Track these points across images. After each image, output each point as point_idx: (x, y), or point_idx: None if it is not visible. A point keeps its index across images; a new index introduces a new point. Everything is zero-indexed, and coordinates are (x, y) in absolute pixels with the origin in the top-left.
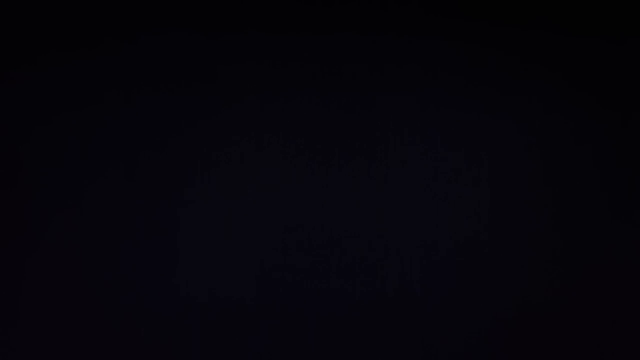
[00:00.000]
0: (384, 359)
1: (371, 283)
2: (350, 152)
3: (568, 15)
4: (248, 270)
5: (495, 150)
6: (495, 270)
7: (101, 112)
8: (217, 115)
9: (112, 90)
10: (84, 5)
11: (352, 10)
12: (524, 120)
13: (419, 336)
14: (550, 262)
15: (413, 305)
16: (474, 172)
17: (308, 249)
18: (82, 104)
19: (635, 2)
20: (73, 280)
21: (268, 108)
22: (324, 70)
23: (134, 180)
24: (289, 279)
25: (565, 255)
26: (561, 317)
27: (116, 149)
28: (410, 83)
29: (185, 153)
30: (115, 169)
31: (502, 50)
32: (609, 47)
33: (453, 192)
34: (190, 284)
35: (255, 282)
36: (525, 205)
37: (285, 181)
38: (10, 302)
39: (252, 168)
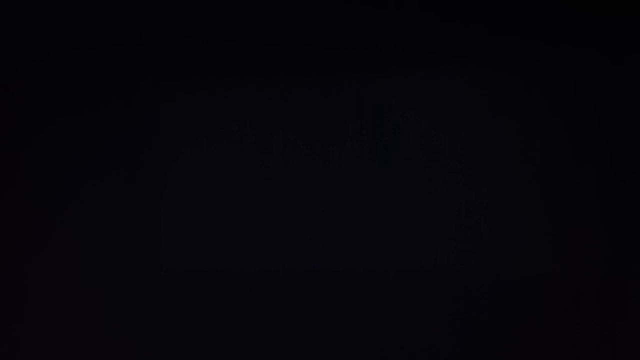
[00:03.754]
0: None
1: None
2: (350, 147)
3: (565, 15)
4: (247, 266)
5: (497, 150)
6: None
7: (102, 112)
8: (216, 113)
9: (113, 91)
10: (85, 8)
11: (352, 9)
12: (526, 121)
13: (423, 335)
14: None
15: (414, 297)
16: (475, 171)
17: (305, 243)
18: (82, 106)
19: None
20: (73, 280)
21: (267, 103)
22: (324, 71)
23: (135, 180)
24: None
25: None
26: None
27: (116, 149)
28: (410, 84)
29: (184, 151)
30: (116, 168)
31: (503, 54)
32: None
33: (453, 188)
34: (190, 282)
35: (255, 278)
36: (519, 205)
37: (285, 176)
38: (12, 299)
39: (252, 164)
